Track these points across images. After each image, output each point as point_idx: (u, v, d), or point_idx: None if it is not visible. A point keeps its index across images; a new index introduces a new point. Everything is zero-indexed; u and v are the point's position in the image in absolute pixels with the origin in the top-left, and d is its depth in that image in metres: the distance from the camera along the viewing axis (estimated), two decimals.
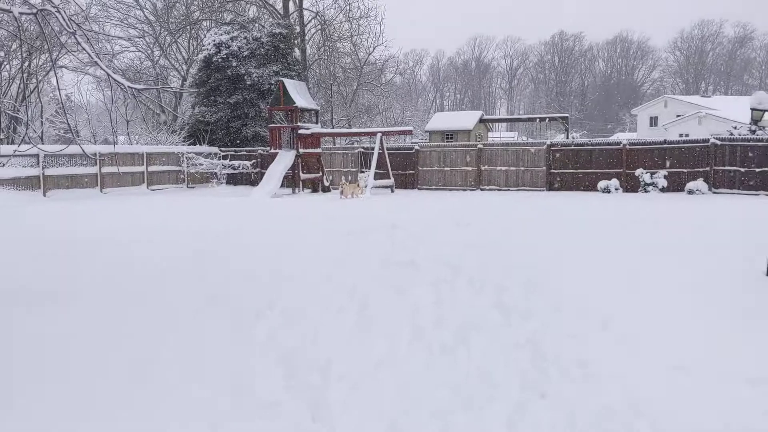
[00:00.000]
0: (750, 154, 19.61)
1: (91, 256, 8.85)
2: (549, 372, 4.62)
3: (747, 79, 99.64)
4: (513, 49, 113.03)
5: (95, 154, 21.82)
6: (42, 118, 28.26)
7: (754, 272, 6.49)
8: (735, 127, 21.14)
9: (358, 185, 21.04)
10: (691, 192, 19.57)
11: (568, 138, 32.78)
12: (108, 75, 5.33)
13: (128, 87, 5.56)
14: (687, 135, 32.97)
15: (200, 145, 29.36)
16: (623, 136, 58.80)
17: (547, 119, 36.47)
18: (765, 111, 6.69)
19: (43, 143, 25.78)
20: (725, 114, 33.26)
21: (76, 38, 5.10)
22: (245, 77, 29.80)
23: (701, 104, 41.05)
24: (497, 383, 4.48)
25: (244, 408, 4.18)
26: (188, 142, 30.02)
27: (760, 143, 19.51)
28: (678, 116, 43.96)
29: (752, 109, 6.82)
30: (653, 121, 50.01)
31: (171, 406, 4.16)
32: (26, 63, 26.32)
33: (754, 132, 20.33)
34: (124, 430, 3.86)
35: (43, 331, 5.46)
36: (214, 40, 30.49)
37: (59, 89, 9.41)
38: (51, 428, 3.84)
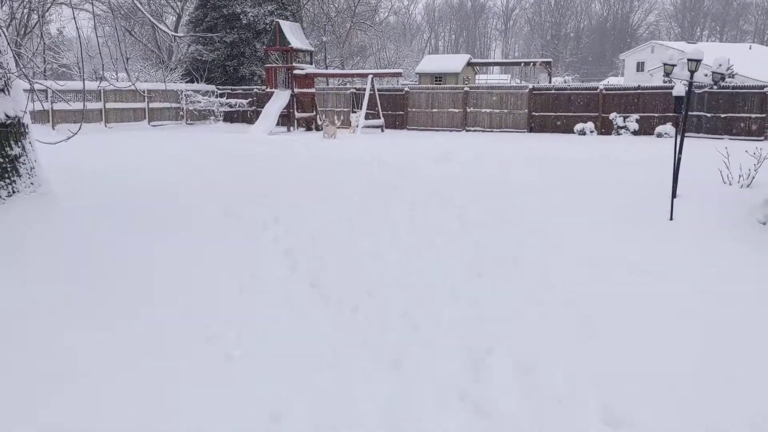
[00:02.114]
0: (716, 101, 21.02)
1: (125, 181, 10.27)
2: (487, 262, 6.21)
3: (743, 24, 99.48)
4: None
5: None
6: (44, 54, 29.07)
7: (663, 195, 8.02)
8: (705, 75, 22.38)
9: (340, 123, 22.11)
10: (659, 135, 21.02)
11: (550, 82, 33.86)
12: (153, 24, 6.60)
13: (172, 35, 6.87)
14: (670, 81, 34.07)
15: (197, 83, 30.31)
16: (614, 81, 59.59)
17: (531, 63, 37.36)
18: (674, 66, 8.05)
19: (46, 78, 26.72)
20: (707, 60, 34.19)
21: None
22: (241, 16, 30.46)
23: (687, 50, 41.93)
24: (449, 268, 6.07)
25: (263, 284, 5.74)
26: (185, 80, 30.95)
27: (725, 90, 20.91)
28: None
29: (664, 64, 8.18)
30: (640, 66, 50.86)
31: (210, 276, 5.73)
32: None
33: (670, 81, 21.93)
34: (174, 285, 5.42)
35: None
36: None
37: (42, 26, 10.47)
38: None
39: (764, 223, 6.72)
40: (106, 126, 24.40)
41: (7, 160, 6.48)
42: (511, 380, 3.94)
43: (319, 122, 25.74)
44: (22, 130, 6.69)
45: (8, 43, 6.51)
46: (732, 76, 22.72)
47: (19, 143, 6.63)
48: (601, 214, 7.74)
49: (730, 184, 8.29)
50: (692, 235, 6.64)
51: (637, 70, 51.40)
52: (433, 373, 4.07)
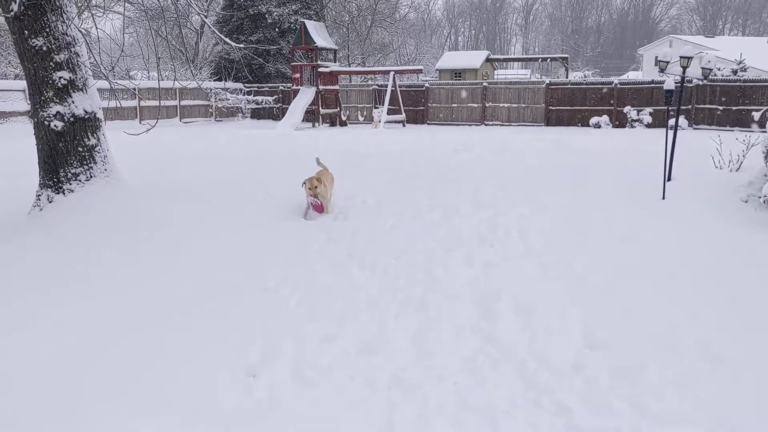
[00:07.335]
0: (727, 94, 21.63)
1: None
2: (497, 234, 7.16)
3: (765, 17, 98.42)
4: None
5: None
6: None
7: (659, 178, 8.88)
8: (719, 69, 22.99)
9: (364, 119, 23.15)
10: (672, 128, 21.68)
11: (567, 77, 34.50)
12: (220, 37, 7.68)
13: (235, 46, 7.96)
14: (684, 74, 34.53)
15: (225, 81, 31.53)
16: (633, 75, 59.83)
17: (549, 59, 38.06)
18: (668, 63, 8.90)
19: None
20: (724, 54, 34.60)
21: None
22: (266, 16, 31.63)
23: (704, 44, 42.20)
24: (464, 240, 7.04)
25: (305, 252, 6.76)
26: (213, 79, 32.19)
27: (736, 84, 21.51)
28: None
29: (659, 61, 9.03)
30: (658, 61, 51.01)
31: (264, 248, 6.77)
32: None
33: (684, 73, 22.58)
34: (235, 252, 6.46)
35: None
36: None
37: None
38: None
39: (746, 201, 7.57)
40: (140, 123, 25.68)
41: (85, 149, 7.58)
42: (513, 319, 4.91)
43: (343, 118, 26.76)
44: (98, 123, 7.79)
45: (88, 51, 7.61)
46: (744, 69, 23.27)
47: (95, 135, 7.73)
48: (601, 194, 8.65)
49: (721, 169, 9.12)
50: (679, 211, 7.53)
51: (655, 65, 51.59)
52: (451, 314, 5.05)
